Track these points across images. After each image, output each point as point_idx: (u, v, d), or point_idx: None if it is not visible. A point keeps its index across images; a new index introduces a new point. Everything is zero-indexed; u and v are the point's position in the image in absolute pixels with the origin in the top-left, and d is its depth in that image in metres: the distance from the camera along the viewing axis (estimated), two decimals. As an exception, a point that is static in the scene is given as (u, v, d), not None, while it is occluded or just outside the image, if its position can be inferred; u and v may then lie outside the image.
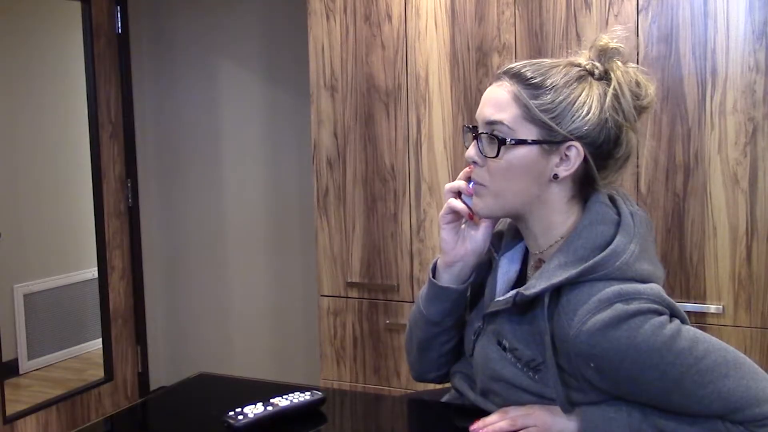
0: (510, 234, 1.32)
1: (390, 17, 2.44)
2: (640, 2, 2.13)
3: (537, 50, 2.24)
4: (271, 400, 1.30)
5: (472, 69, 2.35)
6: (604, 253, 1.13)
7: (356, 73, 2.51)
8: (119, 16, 3.52)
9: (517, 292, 1.17)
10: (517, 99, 1.17)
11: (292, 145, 3.41)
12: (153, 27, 3.65)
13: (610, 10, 2.16)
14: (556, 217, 1.21)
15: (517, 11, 2.28)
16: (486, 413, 1.23)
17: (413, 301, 2.48)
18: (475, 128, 1.22)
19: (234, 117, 3.55)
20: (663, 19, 2.12)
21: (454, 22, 2.36)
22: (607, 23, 2.16)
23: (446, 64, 2.38)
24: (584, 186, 1.21)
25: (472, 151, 1.22)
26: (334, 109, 2.55)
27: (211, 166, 3.62)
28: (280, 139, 3.46)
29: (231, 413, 1.26)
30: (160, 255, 3.77)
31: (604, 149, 1.18)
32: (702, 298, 2.14)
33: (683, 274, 2.15)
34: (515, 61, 2.17)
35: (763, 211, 2.07)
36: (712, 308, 2.12)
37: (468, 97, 2.36)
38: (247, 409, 1.27)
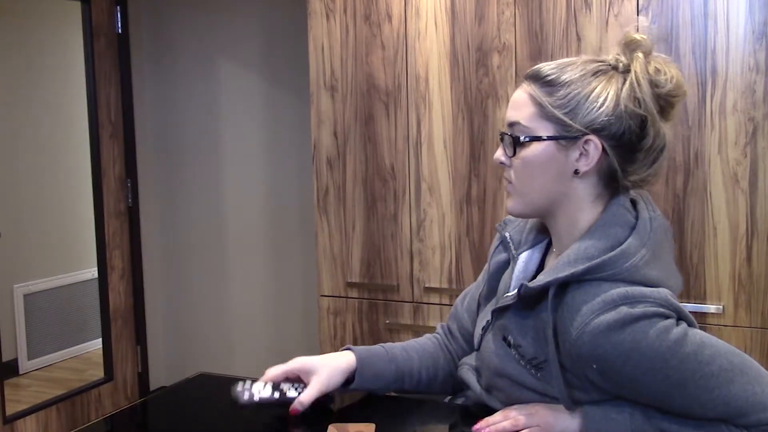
0: (533, 231, 1.33)
1: (390, 17, 2.44)
2: (640, 2, 2.13)
3: (537, 50, 2.24)
4: (282, 386, 1.30)
5: (472, 69, 2.35)
6: (612, 253, 1.13)
7: (356, 73, 2.51)
8: (119, 16, 3.52)
9: (522, 285, 1.18)
10: (532, 98, 1.19)
11: (292, 145, 3.41)
12: (153, 27, 3.65)
13: (610, 10, 2.16)
14: (582, 215, 1.21)
15: (517, 11, 2.28)
16: (487, 413, 1.23)
17: (413, 301, 2.49)
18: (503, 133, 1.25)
19: (234, 117, 3.55)
20: (663, 19, 2.12)
21: (454, 22, 2.36)
22: (607, 23, 2.16)
23: (446, 64, 2.38)
24: (611, 182, 1.20)
25: (498, 153, 1.24)
26: (334, 109, 2.55)
27: (211, 166, 3.62)
28: (280, 139, 3.46)
29: (240, 386, 1.28)
30: (160, 255, 3.76)
31: (626, 141, 1.16)
32: (702, 298, 2.14)
33: (683, 274, 2.15)
34: (515, 61, 2.19)
35: (763, 211, 2.07)
36: (712, 308, 2.12)
37: (468, 97, 2.36)
38: (255, 388, 1.28)
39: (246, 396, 1.27)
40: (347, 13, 2.50)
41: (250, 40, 3.46)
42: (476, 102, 2.34)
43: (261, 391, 1.29)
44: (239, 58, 3.50)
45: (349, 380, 1.39)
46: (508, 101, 2.31)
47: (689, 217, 2.14)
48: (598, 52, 2.16)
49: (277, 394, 1.28)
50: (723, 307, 2.12)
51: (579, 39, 2.19)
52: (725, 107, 2.07)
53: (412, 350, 1.47)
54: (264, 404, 1.28)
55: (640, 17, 2.13)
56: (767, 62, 2.03)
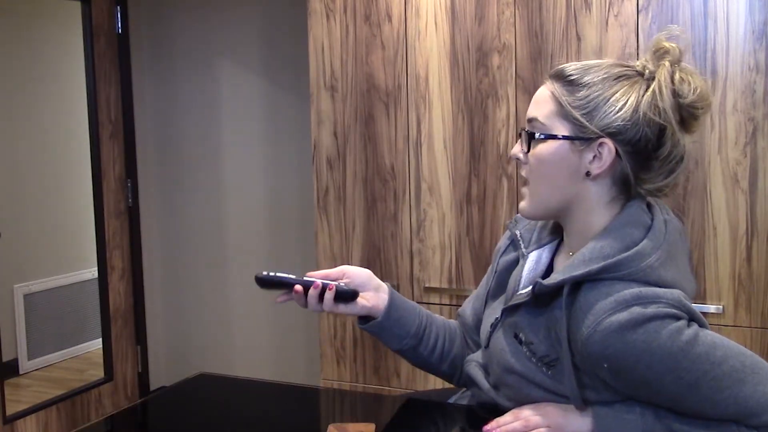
0: (544, 231, 1.33)
1: (390, 17, 2.44)
2: (640, 2, 2.13)
3: (537, 50, 2.24)
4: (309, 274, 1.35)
5: (472, 69, 2.35)
6: (628, 253, 1.13)
7: (356, 73, 2.50)
8: (119, 16, 3.52)
9: (537, 282, 1.17)
10: (553, 96, 1.20)
11: (292, 145, 3.41)
12: (153, 27, 3.65)
13: (610, 10, 2.16)
14: (595, 218, 1.21)
15: (517, 11, 2.27)
16: (491, 413, 1.23)
17: (413, 301, 2.48)
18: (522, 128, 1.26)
19: (234, 117, 3.54)
20: (663, 19, 2.12)
21: (454, 22, 2.36)
22: (607, 23, 2.16)
23: (446, 64, 2.38)
24: (625, 188, 1.20)
25: (515, 148, 1.25)
26: (334, 109, 2.55)
27: (211, 166, 3.62)
28: (280, 139, 3.46)
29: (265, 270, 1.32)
30: (160, 255, 3.76)
31: (642, 148, 1.16)
32: (702, 298, 2.14)
33: (683, 274, 2.15)
34: (515, 62, 2.19)
35: (763, 211, 2.07)
36: (712, 308, 2.12)
37: (468, 97, 2.36)
38: (280, 273, 1.33)
39: (265, 272, 1.31)
40: (347, 13, 2.49)
41: (249, 40, 3.46)
42: (476, 102, 2.34)
43: (282, 273, 1.32)
44: (239, 57, 3.50)
45: (371, 317, 1.41)
46: (508, 101, 2.32)
47: (689, 217, 2.14)
48: (598, 52, 2.16)
49: (294, 276, 1.30)
50: (723, 307, 2.12)
51: (579, 39, 2.19)
52: (725, 107, 2.07)
53: (438, 318, 1.51)
54: (279, 281, 1.33)
55: (641, 15, 2.13)
56: (767, 62, 2.03)
